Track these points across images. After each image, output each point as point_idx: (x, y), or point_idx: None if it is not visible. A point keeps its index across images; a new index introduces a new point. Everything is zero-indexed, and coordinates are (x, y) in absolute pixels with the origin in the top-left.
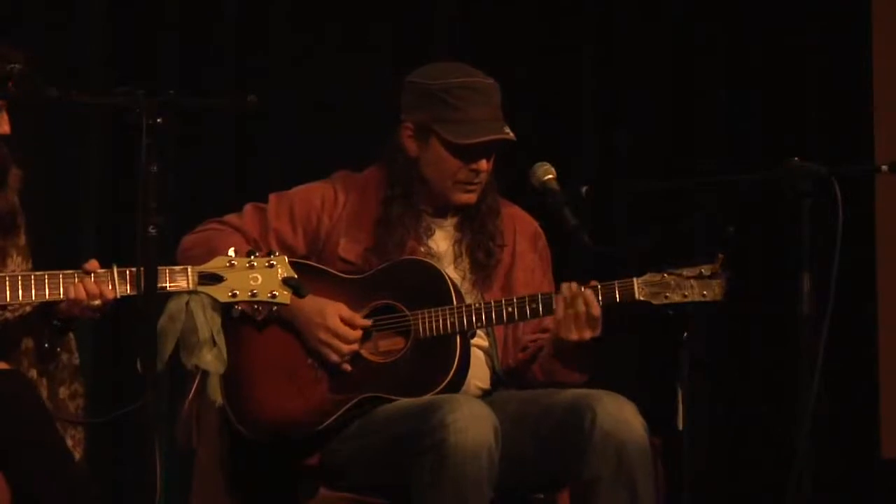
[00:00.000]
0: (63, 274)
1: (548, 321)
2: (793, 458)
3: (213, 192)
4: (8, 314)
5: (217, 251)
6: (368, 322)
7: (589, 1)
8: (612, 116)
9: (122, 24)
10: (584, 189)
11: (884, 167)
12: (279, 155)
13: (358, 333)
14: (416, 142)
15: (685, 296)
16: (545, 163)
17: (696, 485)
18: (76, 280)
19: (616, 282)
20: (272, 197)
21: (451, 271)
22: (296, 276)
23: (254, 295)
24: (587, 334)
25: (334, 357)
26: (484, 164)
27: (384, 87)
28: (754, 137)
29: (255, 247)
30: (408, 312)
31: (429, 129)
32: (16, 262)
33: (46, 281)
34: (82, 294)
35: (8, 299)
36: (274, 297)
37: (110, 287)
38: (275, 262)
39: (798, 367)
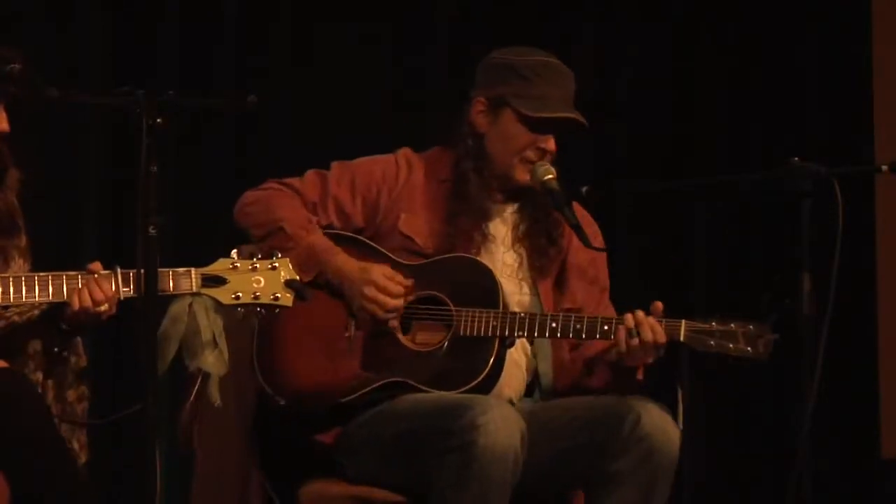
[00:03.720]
0: (66, 275)
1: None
2: (793, 458)
3: (213, 192)
4: (15, 317)
5: (274, 210)
6: (412, 280)
7: (589, 0)
8: (612, 116)
9: (122, 24)
10: (584, 189)
11: (884, 167)
12: (279, 155)
13: (402, 289)
14: (487, 117)
15: (730, 348)
16: (545, 163)
17: (696, 485)
18: (80, 284)
19: (664, 320)
20: (335, 165)
21: (508, 256)
22: (298, 277)
23: (257, 297)
24: (649, 359)
25: (380, 312)
26: (552, 143)
27: (384, 87)
28: (754, 137)
29: (312, 211)
30: (452, 308)
31: (504, 102)
32: (17, 264)
33: (50, 281)
34: (88, 302)
35: (11, 300)
36: (277, 299)
37: (113, 289)
38: (277, 265)
39: (798, 367)
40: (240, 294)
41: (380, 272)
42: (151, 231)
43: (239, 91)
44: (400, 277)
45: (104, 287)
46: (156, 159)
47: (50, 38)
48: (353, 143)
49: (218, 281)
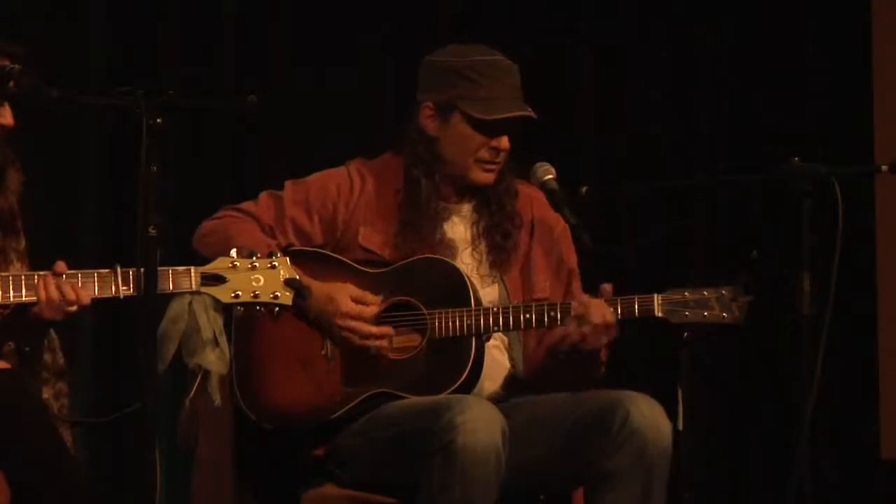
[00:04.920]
0: (38, 275)
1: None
2: (793, 458)
3: (213, 192)
4: None
5: (233, 239)
6: (380, 297)
7: (589, 1)
8: (613, 116)
9: (122, 24)
10: (584, 189)
11: (884, 167)
12: (279, 155)
13: (373, 309)
14: (436, 121)
15: (705, 316)
16: (545, 163)
17: (696, 485)
18: (46, 282)
19: (636, 296)
20: (288, 184)
21: (467, 255)
22: (297, 277)
23: (256, 296)
24: (604, 341)
25: (358, 340)
26: (505, 142)
27: (384, 87)
28: (754, 137)
29: (270, 234)
30: (425, 311)
31: (452, 106)
32: (15, 268)
33: (12, 282)
34: (55, 296)
35: (11, 300)
36: (276, 298)
37: (119, 288)
38: (277, 264)
39: (798, 367)
40: (239, 293)
41: (346, 299)
42: (151, 231)
43: (239, 91)
44: (368, 296)
45: (75, 287)
46: (156, 159)
47: (50, 38)
48: (352, 144)
49: (217, 279)
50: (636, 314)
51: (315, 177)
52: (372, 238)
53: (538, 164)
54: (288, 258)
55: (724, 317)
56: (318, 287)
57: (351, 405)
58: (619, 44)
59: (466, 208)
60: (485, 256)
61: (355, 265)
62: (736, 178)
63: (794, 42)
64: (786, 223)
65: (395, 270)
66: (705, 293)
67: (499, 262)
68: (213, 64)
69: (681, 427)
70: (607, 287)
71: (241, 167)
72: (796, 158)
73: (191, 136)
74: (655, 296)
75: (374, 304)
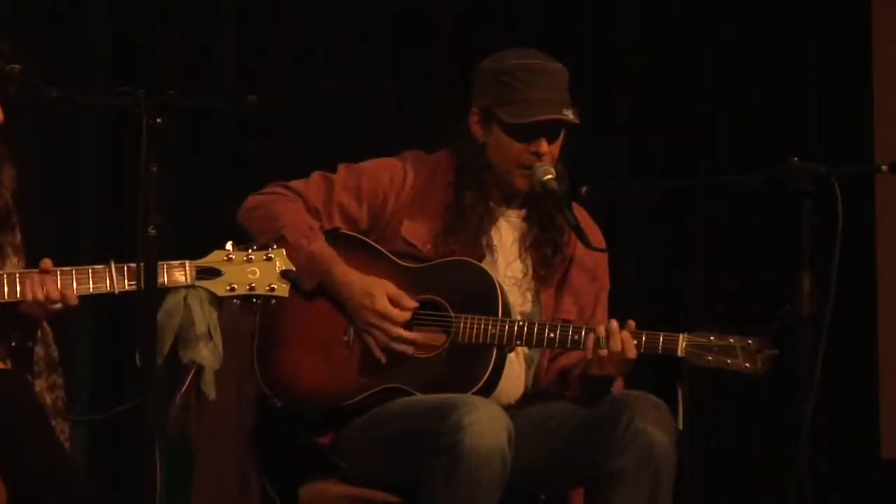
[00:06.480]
0: (20, 273)
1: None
2: (793, 458)
3: (212, 192)
4: None
5: (276, 217)
6: (416, 304)
7: (589, 0)
8: (613, 116)
9: (122, 24)
10: (584, 189)
11: (884, 167)
12: (279, 155)
13: (406, 315)
14: (482, 128)
15: (728, 363)
16: (544, 163)
17: (696, 485)
18: (31, 281)
19: (661, 334)
20: (342, 168)
21: (513, 267)
22: (294, 269)
23: (252, 289)
24: (613, 371)
25: (384, 339)
26: (544, 146)
27: (384, 87)
28: (754, 137)
29: (315, 216)
30: (452, 313)
31: (491, 112)
32: (12, 262)
33: (16, 279)
34: (40, 295)
35: (6, 297)
36: (272, 290)
37: (114, 283)
38: (272, 256)
39: (798, 367)
40: (235, 286)
41: (383, 297)
42: (151, 231)
43: (239, 91)
44: (405, 299)
45: (63, 287)
46: (156, 159)
47: (50, 38)
48: (352, 143)
49: (213, 273)
50: (658, 351)
51: (370, 164)
52: (415, 232)
53: (538, 165)
54: (284, 250)
55: (746, 366)
56: (358, 278)
57: (363, 395)
58: (619, 44)
59: (516, 215)
60: (531, 269)
61: (392, 257)
62: (736, 178)
63: (794, 42)
64: (786, 223)
65: (429, 268)
66: (731, 340)
67: (543, 276)
68: (213, 64)
69: (681, 427)
70: (631, 323)
71: (242, 167)
72: (796, 158)
73: (191, 136)
74: (681, 336)
75: (408, 308)
